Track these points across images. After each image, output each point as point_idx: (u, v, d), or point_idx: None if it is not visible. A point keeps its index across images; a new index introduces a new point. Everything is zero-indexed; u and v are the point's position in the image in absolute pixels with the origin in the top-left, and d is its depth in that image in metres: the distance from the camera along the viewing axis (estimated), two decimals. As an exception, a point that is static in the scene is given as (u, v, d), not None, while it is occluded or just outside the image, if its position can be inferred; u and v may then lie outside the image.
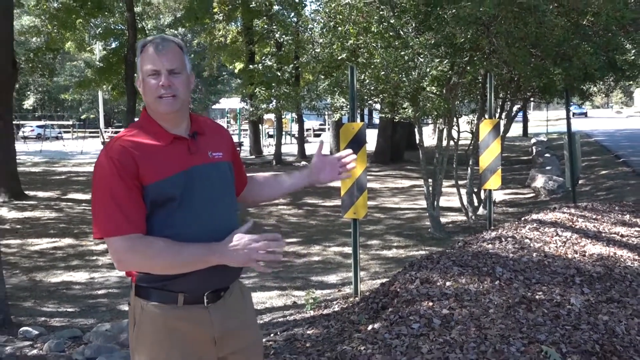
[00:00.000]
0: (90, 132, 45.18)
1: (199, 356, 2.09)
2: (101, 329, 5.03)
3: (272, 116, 26.69)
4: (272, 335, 4.84)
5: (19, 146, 24.49)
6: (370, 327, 4.28)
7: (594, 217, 7.49)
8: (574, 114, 50.97)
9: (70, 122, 51.07)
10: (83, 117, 56.61)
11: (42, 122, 48.33)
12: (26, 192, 15.48)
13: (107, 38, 26.45)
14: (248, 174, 2.48)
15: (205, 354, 2.10)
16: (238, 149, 28.65)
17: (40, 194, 16.09)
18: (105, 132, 37.16)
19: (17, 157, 16.23)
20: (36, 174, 21.21)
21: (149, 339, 2.08)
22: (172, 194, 2.02)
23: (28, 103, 55.93)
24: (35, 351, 4.64)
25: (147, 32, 25.02)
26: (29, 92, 54.66)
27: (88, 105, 55.62)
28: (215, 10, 20.47)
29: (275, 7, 19.82)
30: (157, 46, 2.07)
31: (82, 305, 6.94)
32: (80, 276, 8.21)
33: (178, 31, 32.30)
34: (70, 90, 34.14)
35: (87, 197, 15.75)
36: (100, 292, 7.49)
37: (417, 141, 10.79)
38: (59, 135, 44.89)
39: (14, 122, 18.97)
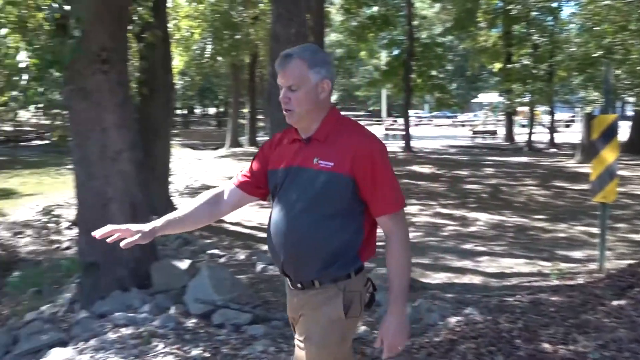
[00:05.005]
0: (376, 120, 47.46)
1: (292, 312, 2.04)
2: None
3: (525, 108, 25.02)
4: (517, 296, 4.56)
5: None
6: (615, 303, 3.81)
7: None
8: None
9: (361, 113, 54.14)
10: (370, 109, 59.49)
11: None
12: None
13: (391, 47, 27.31)
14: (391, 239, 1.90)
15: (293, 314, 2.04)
16: (491, 136, 27.75)
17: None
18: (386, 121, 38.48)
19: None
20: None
21: None
22: (274, 184, 1.97)
23: (333, 98, 60.54)
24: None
25: (420, 40, 25.14)
26: (334, 90, 59.11)
27: (374, 100, 58.18)
28: (480, 19, 19.72)
29: (534, 13, 18.37)
30: (278, 64, 1.86)
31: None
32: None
33: (446, 38, 31.79)
34: (361, 88, 36.13)
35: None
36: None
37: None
38: (353, 123, 47.85)
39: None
